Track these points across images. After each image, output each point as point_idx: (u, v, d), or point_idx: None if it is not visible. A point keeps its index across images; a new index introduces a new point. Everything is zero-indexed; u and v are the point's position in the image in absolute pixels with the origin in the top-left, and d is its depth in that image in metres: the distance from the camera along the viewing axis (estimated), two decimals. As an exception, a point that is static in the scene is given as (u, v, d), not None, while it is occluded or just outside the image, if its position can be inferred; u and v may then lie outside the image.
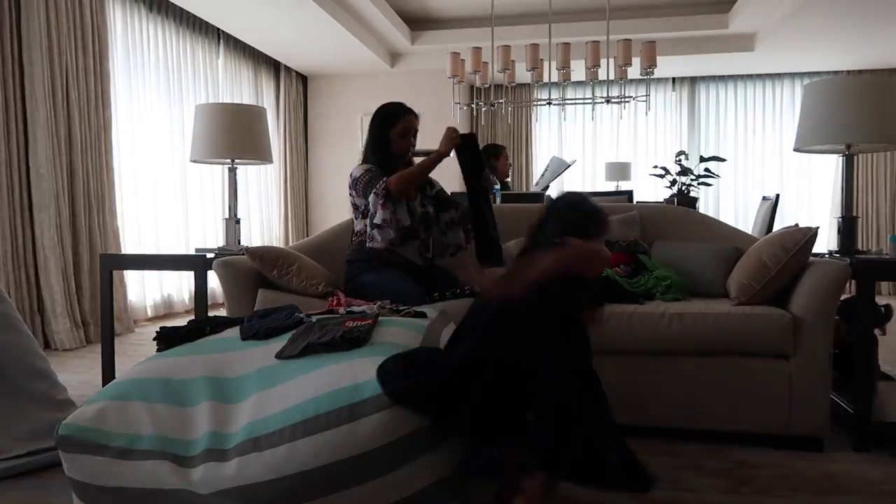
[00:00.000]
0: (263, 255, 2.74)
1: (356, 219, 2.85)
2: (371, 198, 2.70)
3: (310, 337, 1.75)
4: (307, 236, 6.34)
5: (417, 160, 2.83)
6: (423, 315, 2.15)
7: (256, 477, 1.44)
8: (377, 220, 2.66)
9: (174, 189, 5.89)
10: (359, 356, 1.65)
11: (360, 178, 2.76)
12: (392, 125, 2.81)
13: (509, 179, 5.80)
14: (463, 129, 8.27)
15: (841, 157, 2.73)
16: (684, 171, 4.92)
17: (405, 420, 1.48)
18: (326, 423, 1.47)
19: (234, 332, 2.03)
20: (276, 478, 1.43)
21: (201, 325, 2.11)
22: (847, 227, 2.65)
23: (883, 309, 2.65)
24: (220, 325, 2.14)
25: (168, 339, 2.01)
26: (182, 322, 2.24)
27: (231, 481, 1.45)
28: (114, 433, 1.57)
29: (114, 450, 1.54)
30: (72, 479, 1.60)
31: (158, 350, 1.98)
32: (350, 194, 2.83)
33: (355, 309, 2.20)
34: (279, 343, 1.82)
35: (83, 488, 1.58)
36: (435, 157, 2.73)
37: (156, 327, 2.21)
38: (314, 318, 2.01)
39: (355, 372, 1.58)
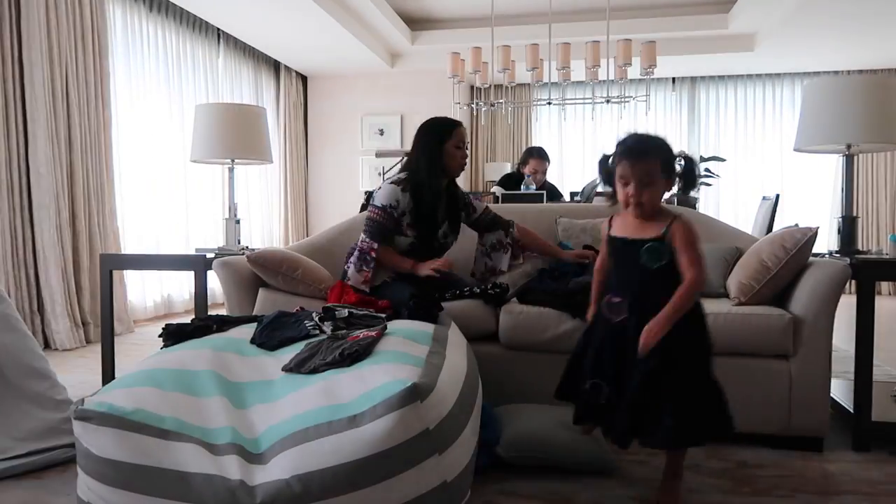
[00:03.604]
0: (265, 261, 2.71)
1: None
2: (356, 254, 2.70)
3: (316, 359, 1.78)
4: (307, 236, 6.33)
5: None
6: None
7: (286, 473, 1.44)
8: (354, 276, 2.68)
9: (174, 189, 5.89)
10: (368, 364, 1.68)
11: (373, 209, 2.70)
12: (448, 137, 2.70)
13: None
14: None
15: (841, 157, 2.73)
16: (684, 171, 4.90)
17: (413, 423, 1.48)
18: (337, 427, 1.48)
19: (240, 333, 2.04)
20: (295, 475, 1.43)
21: (207, 322, 2.12)
22: (847, 227, 2.65)
23: None
24: (226, 323, 2.15)
25: (174, 335, 2.02)
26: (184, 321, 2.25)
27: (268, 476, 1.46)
28: (140, 411, 1.55)
29: (154, 429, 1.52)
30: (93, 455, 1.54)
31: (165, 346, 1.99)
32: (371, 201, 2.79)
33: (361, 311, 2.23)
34: (287, 353, 1.86)
35: (99, 463, 1.53)
36: (409, 269, 2.70)
37: (156, 327, 2.22)
38: (325, 327, 2.03)
39: (364, 379, 1.60)
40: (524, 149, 5.31)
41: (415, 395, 1.49)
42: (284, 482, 1.42)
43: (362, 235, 2.73)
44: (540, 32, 6.29)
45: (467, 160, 2.79)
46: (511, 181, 5.09)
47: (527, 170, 5.07)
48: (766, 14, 6.35)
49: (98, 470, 1.52)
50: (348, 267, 2.75)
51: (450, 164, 2.72)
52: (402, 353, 1.76)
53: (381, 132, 8.15)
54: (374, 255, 2.66)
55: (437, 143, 2.70)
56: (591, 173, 8.55)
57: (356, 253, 2.73)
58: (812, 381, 2.28)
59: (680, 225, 1.80)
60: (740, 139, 8.32)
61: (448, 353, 1.88)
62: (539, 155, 5.13)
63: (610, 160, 1.87)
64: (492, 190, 5.10)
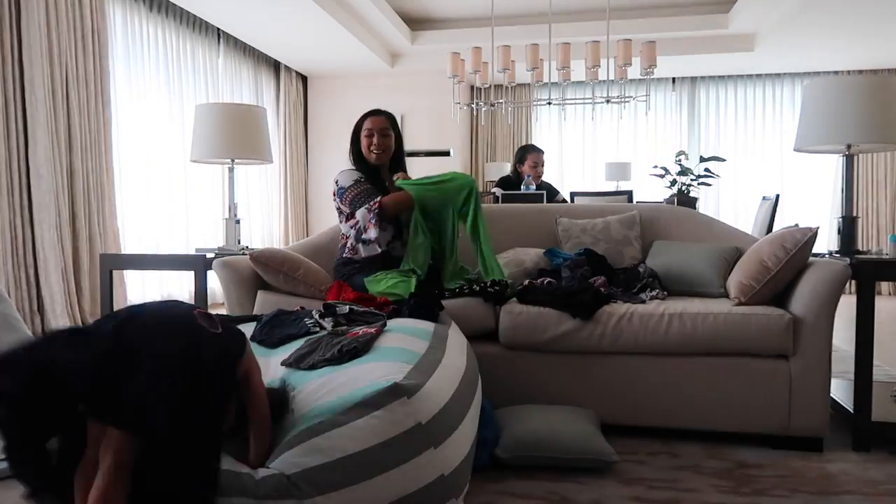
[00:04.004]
0: (267, 260, 2.72)
1: (342, 223, 2.89)
2: (361, 212, 2.77)
3: (315, 355, 1.79)
4: (307, 236, 6.34)
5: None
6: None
7: (287, 470, 1.45)
8: (367, 237, 2.75)
9: (174, 189, 5.89)
10: (363, 362, 1.69)
11: (348, 190, 2.82)
12: (360, 127, 2.90)
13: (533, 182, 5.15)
14: (463, 129, 8.27)
15: (841, 157, 2.73)
16: (684, 171, 4.92)
17: (403, 419, 1.49)
18: (331, 424, 1.49)
19: None
20: (293, 472, 1.44)
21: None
22: (847, 227, 2.65)
23: None
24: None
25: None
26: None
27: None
28: None
29: None
30: None
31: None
32: (334, 199, 2.89)
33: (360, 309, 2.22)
34: (287, 351, 1.87)
35: None
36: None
37: (156, 327, 2.21)
38: (325, 324, 2.03)
39: (358, 377, 1.61)
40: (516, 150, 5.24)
41: (396, 393, 1.51)
42: (285, 480, 1.43)
43: (356, 214, 2.79)
44: (540, 32, 6.30)
45: (381, 145, 2.89)
46: (510, 184, 5.07)
47: (526, 167, 5.04)
48: (766, 14, 6.35)
49: None
50: (347, 251, 2.81)
51: (363, 151, 2.89)
52: (399, 349, 1.76)
53: (381, 132, 8.14)
54: (377, 205, 2.73)
55: (355, 135, 2.92)
56: (591, 173, 8.56)
57: (353, 232, 2.79)
58: (812, 381, 2.28)
59: None
60: (740, 139, 8.32)
61: (447, 350, 1.89)
62: (534, 150, 5.12)
63: None
64: (492, 190, 5.09)
